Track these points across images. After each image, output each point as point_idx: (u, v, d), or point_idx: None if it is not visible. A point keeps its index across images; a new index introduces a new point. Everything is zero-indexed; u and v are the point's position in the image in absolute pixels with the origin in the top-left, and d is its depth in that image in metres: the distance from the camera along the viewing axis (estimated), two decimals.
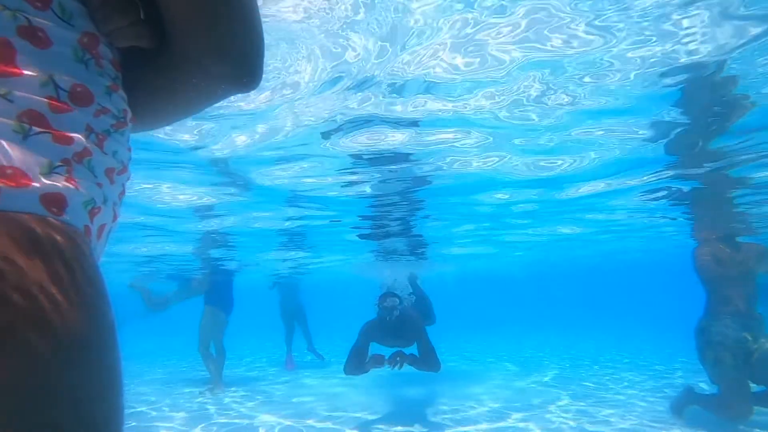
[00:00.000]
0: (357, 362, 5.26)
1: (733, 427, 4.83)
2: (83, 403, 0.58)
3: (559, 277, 27.55)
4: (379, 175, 4.74)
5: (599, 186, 5.31)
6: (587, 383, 7.73)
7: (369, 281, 11.67)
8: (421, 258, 10.63)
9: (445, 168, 4.54)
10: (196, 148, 3.86)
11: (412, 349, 5.51)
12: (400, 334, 5.50)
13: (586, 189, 5.44)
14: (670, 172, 4.84)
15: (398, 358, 5.15)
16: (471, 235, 8.47)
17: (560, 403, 6.30)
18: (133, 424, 5.65)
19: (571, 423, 5.33)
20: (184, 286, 10.08)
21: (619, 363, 10.00)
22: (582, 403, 6.28)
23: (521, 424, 5.35)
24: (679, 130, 3.69)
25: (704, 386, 6.04)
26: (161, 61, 0.78)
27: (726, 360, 4.81)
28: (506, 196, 5.77)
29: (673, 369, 8.94)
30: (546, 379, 8.26)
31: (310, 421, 5.70)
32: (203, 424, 5.64)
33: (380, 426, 5.46)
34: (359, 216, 6.47)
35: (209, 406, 6.61)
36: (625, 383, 7.66)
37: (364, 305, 6.04)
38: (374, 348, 5.57)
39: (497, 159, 4.32)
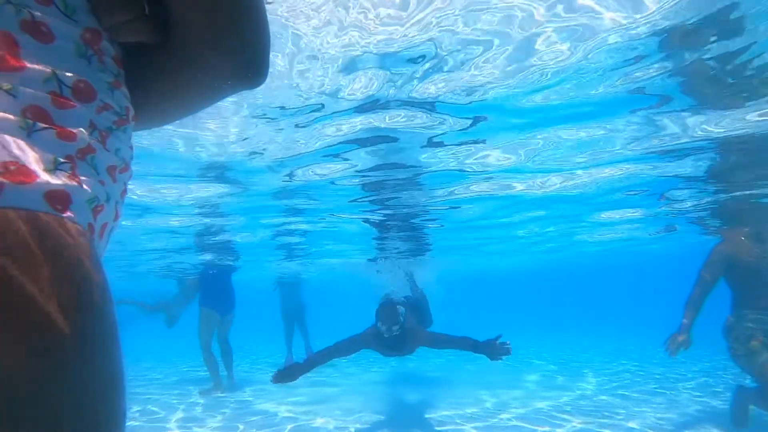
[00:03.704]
0: (318, 360, 4.75)
1: None
2: (84, 403, 0.57)
3: (592, 275, 27.23)
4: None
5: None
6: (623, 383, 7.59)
7: (371, 283, 11.56)
8: (423, 255, 10.52)
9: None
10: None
11: (412, 357, 5.31)
12: (400, 346, 5.06)
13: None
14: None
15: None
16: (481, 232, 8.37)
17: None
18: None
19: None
20: (182, 288, 10.07)
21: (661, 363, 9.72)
22: (620, 406, 6.09)
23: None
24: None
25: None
26: (164, 58, 0.77)
27: (759, 349, 4.51)
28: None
29: (720, 366, 8.70)
30: (585, 382, 8.07)
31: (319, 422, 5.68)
32: (203, 424, 5.63)
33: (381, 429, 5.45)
34: (363, 208, 6.36)
35: (208, 406, 6.61)
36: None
37: (366, 308, 5.93)
38: (374, 356, 5.33)
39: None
